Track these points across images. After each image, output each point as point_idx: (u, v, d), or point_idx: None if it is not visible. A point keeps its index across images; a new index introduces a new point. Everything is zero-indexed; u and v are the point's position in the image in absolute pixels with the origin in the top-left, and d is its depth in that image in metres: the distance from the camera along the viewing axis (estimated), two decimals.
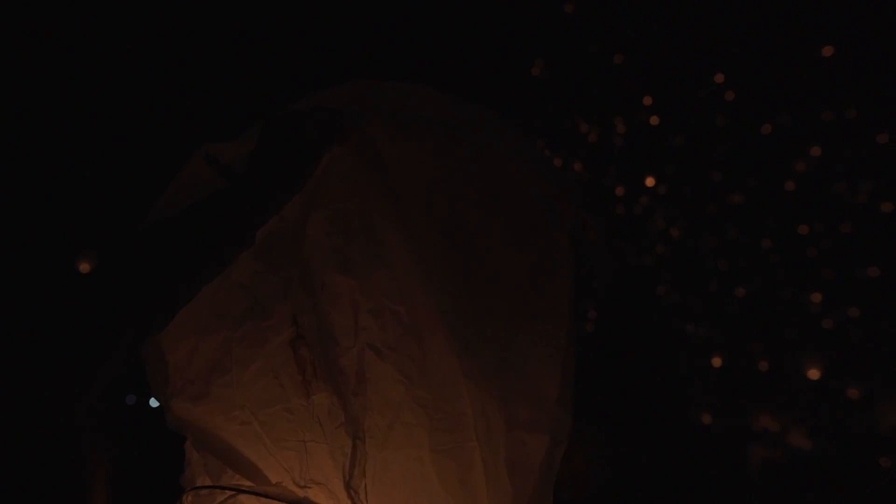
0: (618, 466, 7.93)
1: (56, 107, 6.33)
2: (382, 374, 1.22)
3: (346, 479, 1.20)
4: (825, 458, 8.57)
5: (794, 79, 7.18)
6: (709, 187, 7.35)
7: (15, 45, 5.82)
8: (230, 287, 1.25)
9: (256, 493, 1.22)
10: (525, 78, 7.02)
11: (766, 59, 7.11)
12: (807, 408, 8.07)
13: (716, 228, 7.47)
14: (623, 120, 7.13)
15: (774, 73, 7.17)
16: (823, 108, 7.18)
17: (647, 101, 6.94)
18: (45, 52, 6.20)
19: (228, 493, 1.18)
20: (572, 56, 6.86)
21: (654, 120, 7.11)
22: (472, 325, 1.21)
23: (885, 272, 7.04)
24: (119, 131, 6.78)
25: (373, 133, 1.20)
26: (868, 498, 7.82)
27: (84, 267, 5.81)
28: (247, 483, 1.25)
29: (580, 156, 7.37)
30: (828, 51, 7.00)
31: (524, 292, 1.31)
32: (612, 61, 6.89)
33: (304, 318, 1.24)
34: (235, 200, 1.02)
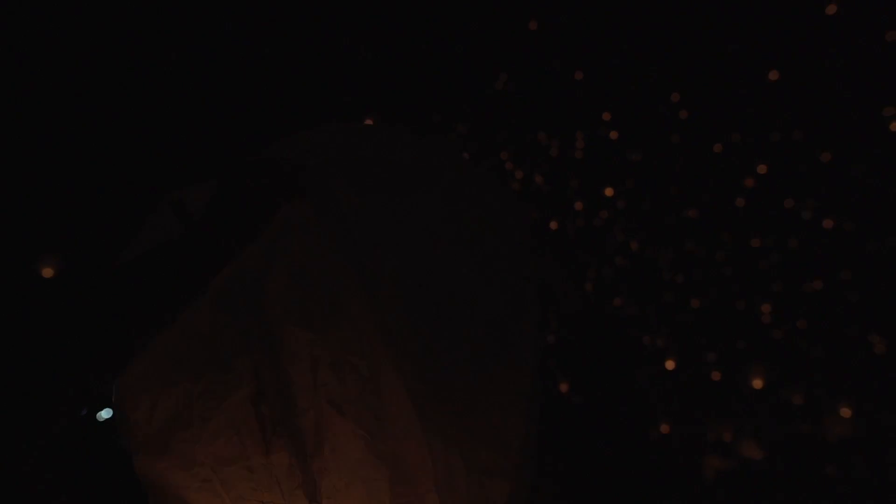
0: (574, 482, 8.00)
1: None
2: (342, 431, 1.23)
3: None
4: (774, 468, 8.81)
5: (743, 100, 7.54)
6: (666, 201, 7.59)
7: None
8: (190, 337, 1.24)
9: None
10: (489, 91, 7.18)
11: (718, 81, 7.45)
12: (757, 418, 8.31)
13: (673, 241, 7.70)
14: (583, 134, 7.34)
15: (726, 94, 7.51)
16: (771, 129, 7.54)
17: (606, 116, 7.16)
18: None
19: None
20: (535, 71, 7.05)
21: (614, 135, 7.33)
22: (433, 376, 1.22)
23: (827, 285, 7.38)
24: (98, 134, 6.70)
25: (333, 187, 1.23)
26: None
27: (47, 272, 5.63)
28: None
29: (542, 169, 7.53)
30: (774, 75, 7.38)
31: (489, 342, 1.30)
32: (573, 77, 7.11)
33: (265, 373, 1.24)
34: (188, 248, 0.99)
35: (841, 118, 7.43)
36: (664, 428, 9.05)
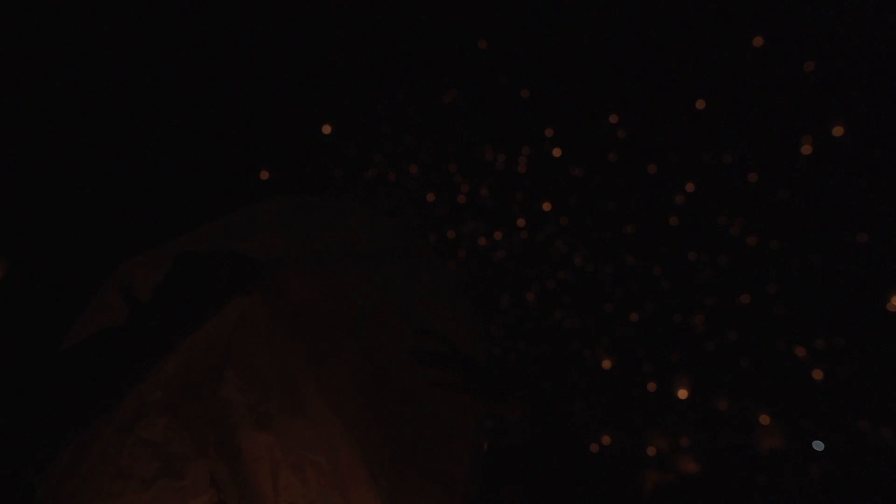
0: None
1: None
2: None
3: None
4: (707, 478, 9.05)
5: (676, 124, 7.97)
6: (606, 217, 7.90)
7: None
8: (135, 445, 1.17)
9: None
10: (438, 105, 7.39)
11: (655, 105, 7.87)
12: (692, 429, 8.55)
13: (613, 256, 7.99)
14: (528, 149, 7.61)
15: (663, 117, 7.93)
16: (702, 152, 7.99)
17: (549, 132, 7.44)
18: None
19: None
20: (483, 87, 7.30)
21: (557, 152, 7.62)
22: (393, 469, 1.20)
23: (755, 299, 7.76)
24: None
25: (287, 284, 1.19)
26: None
27: None
28: None
29: (487, 182, 7.75)
30: (700, 104, 7.86)
31: (437, 411, 1.29)
32: (518, 94, 7.39)
33: (222, 480, 1.20)
34: (128, 334, 1.00)
35: (766, 143, 7.94)
36: (605, 440, 9.21)
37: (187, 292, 1.07)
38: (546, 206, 7.33)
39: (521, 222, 7.72)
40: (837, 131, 7.05)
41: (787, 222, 7.72)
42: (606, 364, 7.55)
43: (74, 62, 6.54)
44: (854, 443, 8.55)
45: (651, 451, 8.94)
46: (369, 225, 1.37)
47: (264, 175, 7.44)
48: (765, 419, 7.50)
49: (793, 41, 7.73)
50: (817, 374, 7.89)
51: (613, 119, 7.46)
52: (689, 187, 7.38)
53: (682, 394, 7.49)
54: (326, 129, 7.37)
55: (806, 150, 6.89)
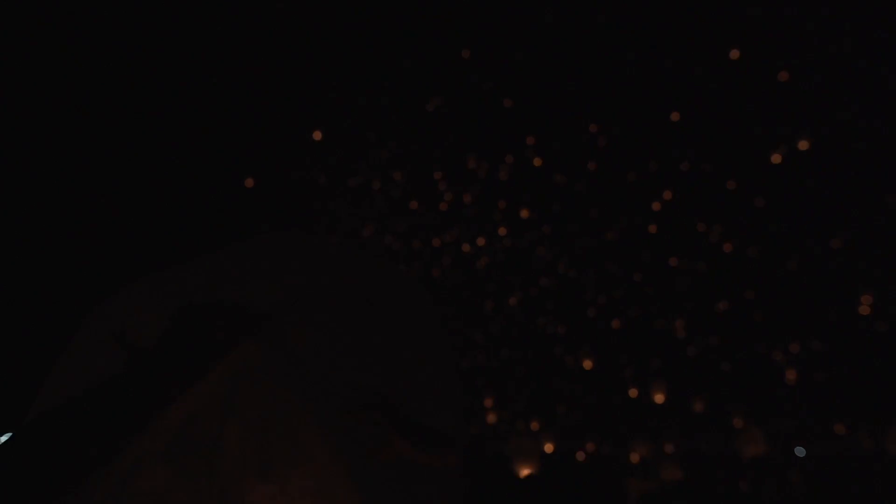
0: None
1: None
2: None
3: None
4: (691, 485, 9.07)
5: (656, 134, 8.14)
6: (588, 224, 8.02)
7: None
8: (136, 496, 1.17)
9: None
10: (422, 113, 7.52)
11: (634, 115, 8.04)
12: (674, 436, 8.60)
13: (595, 263, 8.10)
14: (512, 157, 7.74)
15: (642, 127, 8.10)
16: (682, 160, 8.16)
17: (531, 140, 7.58)
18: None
19: None
20: (466, 95, 7.45)
21: (538, 161, 7.75)
22: None
23: (733, 305, 7.89)
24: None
25: (287, 334, 1.23)
26: None
27: None
28: None
29: (471, 190, 7.87)
30: (675, 116, 8.06)
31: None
32: (501, 103, 7.54)
33: None
34: (130, 385, 1.03)
35: (742, 152, 8.12)
36: (589, 446, 9.25)
37: (188, 345, 1.10)
38: (524, 214, 7.44)
39: (504, 230, 7.82)
40: (803, 145, 7.23)
41: (764, 229, 7.88)
42: (587, 364, 7.62)
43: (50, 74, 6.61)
44: (833, 447, 8.64)
45: (635, 458, 8.98)
46: (357, 267, 1.42)
47: (249, 183, 7.52)
48: (738, 422, 7.56)
49: (767, 53, 7.95)
50: (794, 377, 8.01)
51: (593, 128, 7.60)
52: (667, 195, 7.52)
53: (659, 398, 7.56)
54: (317, 136, 7.46)
55: (776, 158, 7.05)
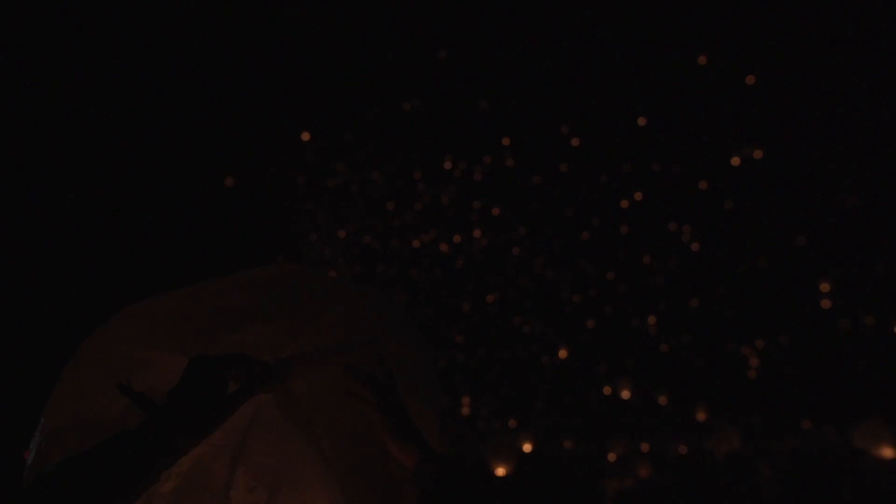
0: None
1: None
2: None
3: None
4: (666, 483, 9.21)
5: (628, 137, 8.35)
6: (564, 224, 8.17)
7: None
8: None
9: None
10: (399, 113, 7.63)
11: (608, 116, 8.25)
12: (648, 432, 8.73)
13: (570, 262, 8.24)
14: (490, 158, 7.87)
15: (616, 127, 8.31)
16: (652, 160, 8.36)
17: (506, 141, 7.73)
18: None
19: None
20: (444, 96, 7.58)
21: (510, 162, 7.90)
22: None
23: (703, 303, 8.08)
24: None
25: (295, 386, 1.25)
26: None
27: None
28: None
29: (448, 190, 7.98)
30: (642, 121, 8.27)
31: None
32: (478, 105, 7.69)
33: None
34: (142, 438, 1.03)
35: (713, 155, 8.37)
36: (567, 444, 9.34)
37: (201, 397, 1.11)
38: (495, 211, 7.57)
39: (481, 230, 7.94)
40: (757, 154, 7.45)
41: (733, 229, 8.10)
42: (562, 353, 7.72)
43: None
44: (800, 442, 8.84)
45: (611, 456, 9.09)
46: (349, 306, 1.43)
47: (229, 182, 7.55)
48: (712, 420, 7.71)
49: (735, 58, 8.22)
50: (763, 374, 8.20)
51: (565, 130, 7.78)
52: (638, 196, 7.71)
53: (625, 394, 7.67)
54: (305, 136, 7.52)
55: (735, 161, 7.25)
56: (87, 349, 1.28)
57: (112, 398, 1.19)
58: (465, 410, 8.23)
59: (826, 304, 7.12)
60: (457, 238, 7.78)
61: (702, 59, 8.22)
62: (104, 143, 6.92)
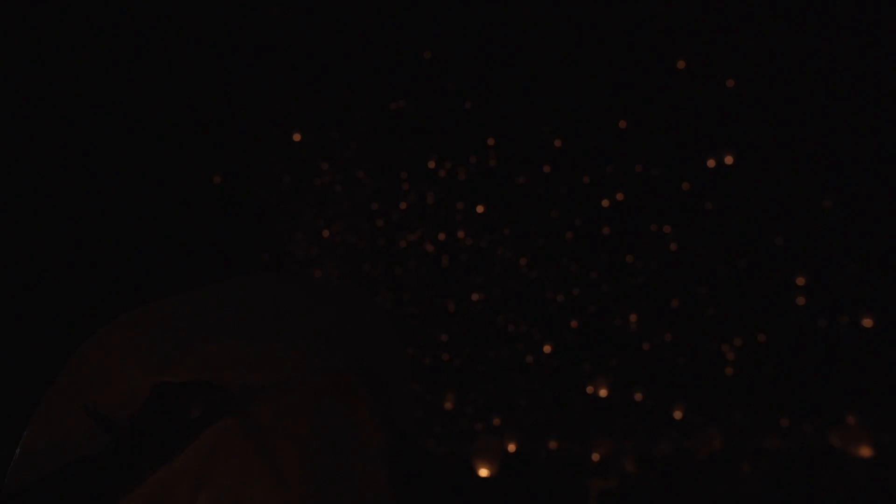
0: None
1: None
2: None
3: None
4: (649, 482, 9.27)
5: (607, 140, 8.49)
6: (548, 224, 8.26)
7: None
8: None
9: None
10: (385, 113, 7.69)
11: (591, 117, 8.38)
12: (631, 431, 8.79)
13: (554, 262, 8.32)
14: (475, 158, 7.95)
15: (599, 129, 8.44)
16: (635, 162, 8.50)
17: (491, 141, 7.82)
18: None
19: None
20: (429, 96, 7.66)
21: (494, 162, 7.99)
22: None
23: (683, 304, 8.19)
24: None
25: (259, 414, 1.27)
26: None
27: None
28: None
29: (434, 189, 8.04)
30: (622, 123, 8.42)
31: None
32: (463, 105, 7.77)
33: None
34: (102, 463, 1.05)
35: (695, 157, 8.52)
36: (552, 444, 9.36)
37: (163, 424, 1.13)
38: (479, 211, 7.64)
39: (466, 229, 8.00)
40: (728, 160, 7.60)
41: (714, 229, 8.24)
42: (546, 351, 7.78)
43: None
44: (779, 441, 8.95)
45: (595, 456, 9.12)
46: (327, 315, 1.44)
47: (217, 179, 7.55)
48: (678, 414, 7.77)
49: (715, 62, 8.41)
50: (742, 372, 8.30)
51: (548, 131, 7.89)
52: (620, 196, 7.83)
53: (603, 392, 7.71)
54: (297, 137, 7.54)
55: (710, 163, 7.39)
56: (67, 369, 1.30)
57: (84, 420, 1.22)
58: (450, 409, 8.24)
59: (801, 300, 7.25)
60: (441, 236, 7.83)
61: (681, 64, 8.40)
62: (97, 142, 6.90)
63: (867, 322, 6.97)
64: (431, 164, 7.83)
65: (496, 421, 8.43)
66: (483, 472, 7.18)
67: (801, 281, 6.98)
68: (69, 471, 1.01)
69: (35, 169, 6.74)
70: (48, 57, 6.60)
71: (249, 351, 1.30)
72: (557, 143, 7.75)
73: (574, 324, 8.48)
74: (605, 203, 7.65)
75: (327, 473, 1.30)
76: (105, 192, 7.28)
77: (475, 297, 8.38)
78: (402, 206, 7.91)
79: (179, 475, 1.24)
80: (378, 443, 1.28)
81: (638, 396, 8.16)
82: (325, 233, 8.13)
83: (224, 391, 1.24)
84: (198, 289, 1.39)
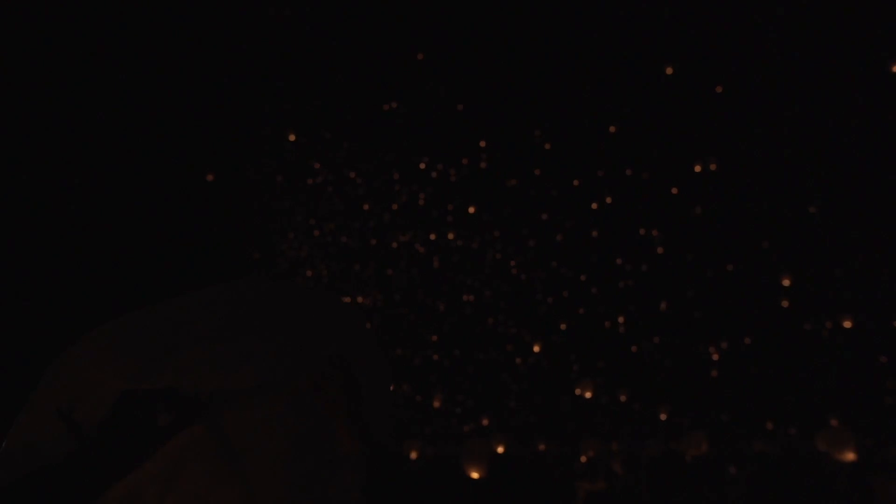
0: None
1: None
2: None
3: None
4: (636, 484, 9.31)
5: (597, 145, 8.59)
6: (538, 226, 8.33)
7: None
8: None
9: None
10: (377, 114, 7.76)
11: (582, 121, 8.48)
12: (619, 433, 8.82)
13: (544, 264, 8.39)
14: (466, 160, 8.02)
15: (590, 134, 8.54)
16: (625, 166, 8.60)
17: (482, 143, 7.90)
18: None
19: None
20: (421, 98, 7.73)
21: (484, 164, 8.06)
22: None
23: (671, 306, 8.28)
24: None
25: (225, 423, 1.29)
26: None
27: None
28: None
29: (425, 189, 8.10)
30: (612, 128, 8.53)
31: None
32: (455, 108, 7.85)
33: None
34: (67, 470, 1.06)
35: (684, 162, 8.64)
36: (539, 445, 9.38)
37: (129, 432, 1.14)
38: (471, 210, 7.71)
39: (457, 231, 8.05)
40: (712, 167, 7.70)
41: (702, 233, 8.34)
42: (536, 348, 7.83)
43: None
44: (765, 444, 9.03)
45: (583, 458, 9.15)
46: (308, 322, 1.47)
47: (210, 177, 7.58)
48: (662, 415, 7.84)
49: (703, 68, 8.54)
50: (729, 375, 8.38)
51: (538, 133, 7.97)
52: (609, 200, 7.92)
53: (588, 394, 7.76)
54: (291, 137, 7.58)
55: (698, 168, 7.50)
56: (46, 376, 1.31)
57: (59, 426, 1.23)
58: (440, 409, 8.27)
59: (787, 304, 7.36)
60: (432, 236, 7.89)
61: (669, 70, 8.53)
62: (91, 141, 6.92)
63: (847, 324, 7.08)
64: (423, 166, 7.89)
65: (485, 421, 8.46)
66: (474, 475, 7.20)
67: (786, 282, 7.08)
68: (33, 476, 1.02)
69: (35, 168, 6.74)
70: (39, 55, 6.62)
71: (229, 354, 1.32)
72: (547, 146, 7.84)
73: (563, 326, 8.54)
74: (594, 206, 7.74)
75: (296, 482, 1.32)
76: (97, 190, 7.29)
77: (465, 298, 8.43)
78: (394, 206, 7.96)
79: (147, 480, 1.25)
80: (353, 452, 1.30)
81: (625, 398, 8.22)
82: (317, 232, 8.17)
83: (193, 398, 1.25)
84: (177, 296, 1.41)
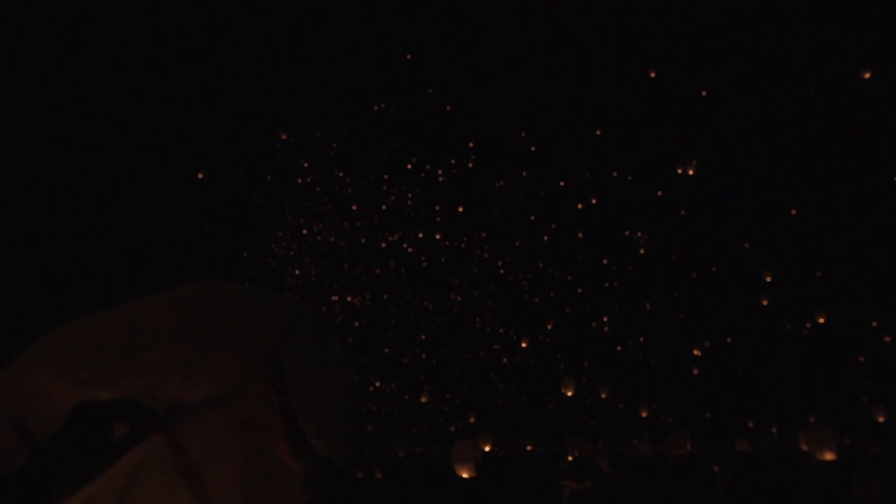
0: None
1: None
2: None
3: None
4: (622, 483, 9.35)
5: (580, 147, 8.70)
6: (525, 227, 8.42)
7: None
8: None
9: None
10: (367, 115, 7.80)
11: (564, 125, 8.59)
12: (605, 432, 8.92)
13: (531, 264, 8.47)
14: (454, 162, 8.09)
15: (569, 137, 8.65)
16: (611, 168, 8.72)
17: (471, 144, 7.97)
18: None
19: None
20: (411, 99, 7.79)
21: (472, 165, 8.13)
22: None
23: (655, 306, 8.40)
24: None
25: (183, 433, 1.25)
26: None
27: None
28: None
29: (414, 190, 8.15)
30: (598, 131, 8.64)
31: None
32: (444, 108, 7.92)
33: None
34: (17, 483, 1.03)
35: (670, 165, 8.76)
36: (526, 444, 9.42)
37: (85, 443, 1.11)
38: (459, 213, 7.77)
39: (445, 231, 8.11)
40: (690, 171, 7.83)
41: (686, 235, 8.47)
42: (524, 343, 7.88)
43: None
44: (750, 443, 9.14)
45: (569, 457, 9.18)
46: (263, 325, 1.42)
47: (200, 175, 7.58)
48: (643, 412, 7.92)
49: (688, 73, 8.68)
50: (714, 376, 8.49)
51: (523, 134, 8.05)
52: (594, 201, 8.02)
53: (570, 392, 7.80)
54: (283, 136, 7.58)
55: (682, 170, 7.61)
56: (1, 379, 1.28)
57: (13, 436, 1.19)
58: (428, 408, 8.30)
59: (767, 303, 7.49)
60: (421, 234, 7.94)
61: (653, 74, 8.66)
62: (84, 140, 6.90)
63: (821, 319, 7.22)
64: (411, 166, 7.95)
65: (472, 419, 8.50)
66: (464, 474, 7.22)
67: (768, 278, 7.21)
68: None
69: (33, 169, 6.71)
70: (30, 54, 6.60)
71: (186, 357, 1.29)
72: (534, 147, 7.93)
73: (550, 325, 8.62)
74: (580, 207, 7.83)
75: (251, 493, 1.28)
76: (87, 188, 7.26)
77: (453, 297, 8.49)
78: (383, 206, 8.01)
79: (104, 490, 1.22)
80: (298, 469, 1.21)
81: (610, 397, 8.29)
82: (306, 231, 8.18)
83: (150, 411, 1.23)
84: (134, 300, 1.36)
